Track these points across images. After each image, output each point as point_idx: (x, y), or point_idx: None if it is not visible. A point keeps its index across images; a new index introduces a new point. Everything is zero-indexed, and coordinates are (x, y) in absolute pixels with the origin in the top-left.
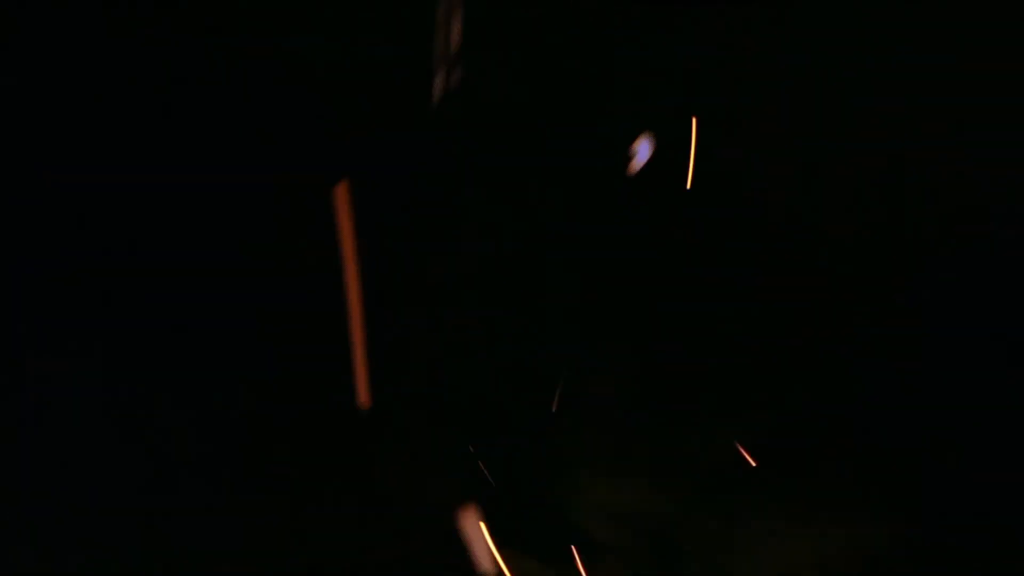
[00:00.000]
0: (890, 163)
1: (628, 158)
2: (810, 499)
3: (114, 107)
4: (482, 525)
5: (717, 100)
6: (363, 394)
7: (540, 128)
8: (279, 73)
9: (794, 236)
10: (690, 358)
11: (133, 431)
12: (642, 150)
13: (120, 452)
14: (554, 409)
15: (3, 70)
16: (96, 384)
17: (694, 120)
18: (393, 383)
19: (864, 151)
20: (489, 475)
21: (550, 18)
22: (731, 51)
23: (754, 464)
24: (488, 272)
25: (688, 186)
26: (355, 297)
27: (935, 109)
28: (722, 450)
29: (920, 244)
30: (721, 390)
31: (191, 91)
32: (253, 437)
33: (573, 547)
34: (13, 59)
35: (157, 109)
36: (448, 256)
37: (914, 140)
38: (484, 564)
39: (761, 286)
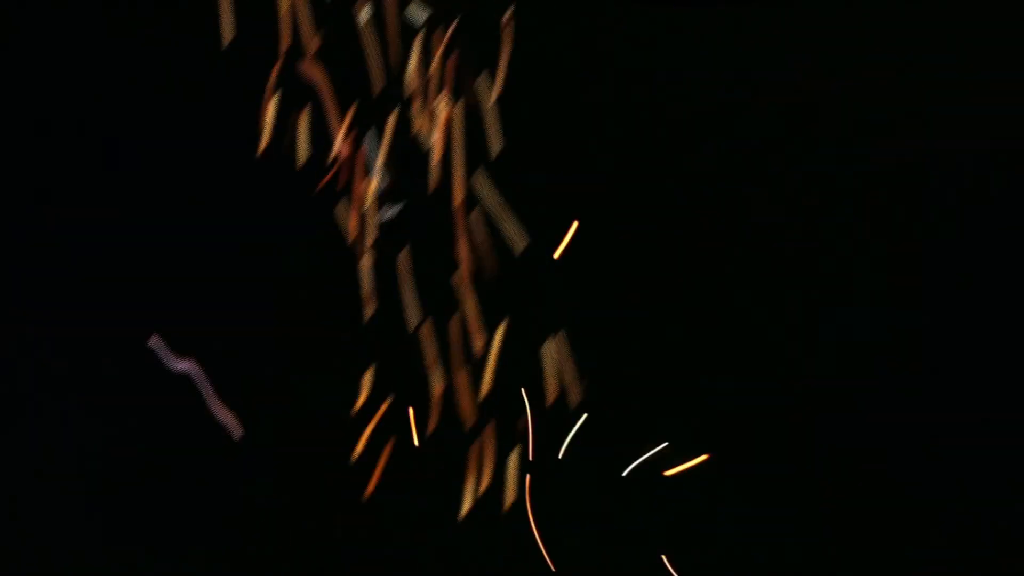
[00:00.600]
0: (891, 163)
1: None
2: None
3: (114, 107)
4: None
5: (716, 99)
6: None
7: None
8: (281, 74)
9: (791, 233)
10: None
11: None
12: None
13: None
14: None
15: (3, 70)
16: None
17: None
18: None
19: (864, 150)
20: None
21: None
22: (730, 50)
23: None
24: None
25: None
26: None
27: (936, 109)
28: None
29: (918, 243)
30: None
31: (191, 91)
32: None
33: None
34: (13, 59)
35: (157, 109)
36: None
37: (915, 140)
38: None
39: (758, 285)
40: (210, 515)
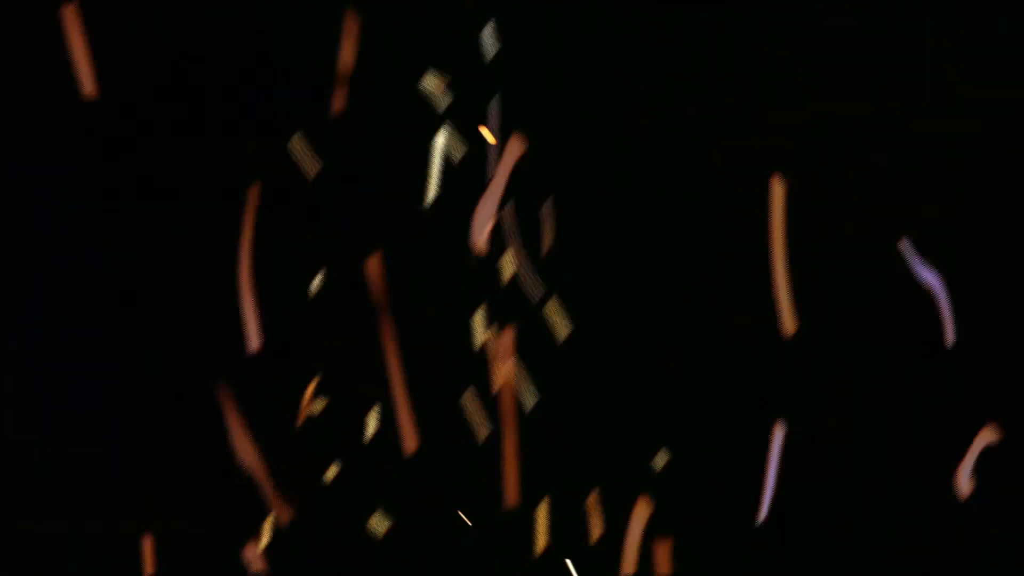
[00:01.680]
0: (890, 163)
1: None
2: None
3: (114, 107)
4: None
5: (713, 99)
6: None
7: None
8: (281, 73)
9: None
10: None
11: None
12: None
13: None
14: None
15: (3, 70)
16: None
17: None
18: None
19: (864, 150)
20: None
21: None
22: (728, 51)
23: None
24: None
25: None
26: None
27: (937, 108)
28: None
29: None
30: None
31: (190, 91)
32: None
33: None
34: (13, 59)
35: (156, 108)
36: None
37: (915, 139)
38: None
39: (755, 283)
40: (210, 514)
